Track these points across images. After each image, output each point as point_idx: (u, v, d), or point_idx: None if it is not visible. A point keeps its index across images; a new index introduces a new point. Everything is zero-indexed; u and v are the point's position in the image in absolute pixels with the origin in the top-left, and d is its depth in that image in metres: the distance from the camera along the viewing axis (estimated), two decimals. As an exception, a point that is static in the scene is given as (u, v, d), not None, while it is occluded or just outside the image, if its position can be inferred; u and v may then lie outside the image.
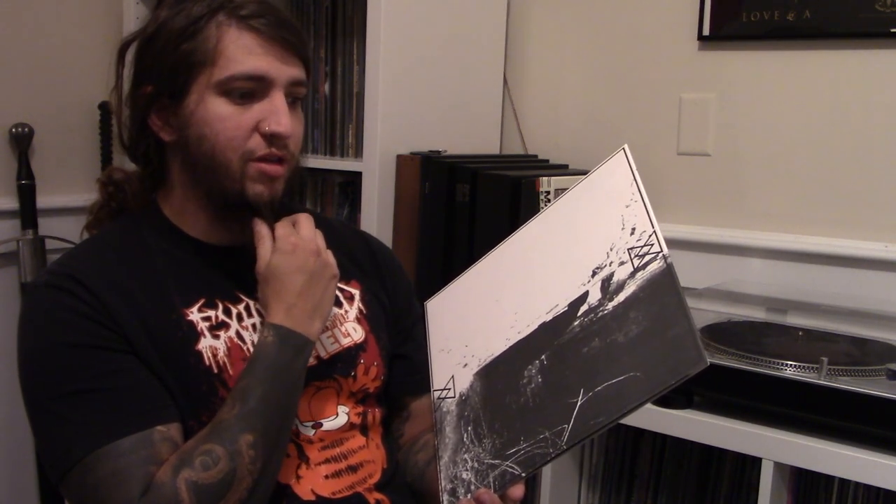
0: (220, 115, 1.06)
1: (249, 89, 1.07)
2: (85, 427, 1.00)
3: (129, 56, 1.15)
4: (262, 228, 1.10)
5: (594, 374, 0.88)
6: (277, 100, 1.08)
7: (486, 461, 0.95)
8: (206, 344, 1.07)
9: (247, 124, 1.07)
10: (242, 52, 1.06)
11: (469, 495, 0.95)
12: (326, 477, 1.12)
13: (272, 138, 1.07)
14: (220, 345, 1.08)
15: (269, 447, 1.01)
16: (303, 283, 1.07)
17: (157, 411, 1.02)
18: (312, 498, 1.10)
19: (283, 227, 1.11)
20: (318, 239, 1.12)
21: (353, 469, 1.15)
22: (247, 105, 1.07)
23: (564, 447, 0.88)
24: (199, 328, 1.08)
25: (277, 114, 1.07)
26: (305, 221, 1.12)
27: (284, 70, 1.08)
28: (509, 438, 0.93)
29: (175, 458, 0.99)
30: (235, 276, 1.14)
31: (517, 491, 0.93)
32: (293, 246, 1.08)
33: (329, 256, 1.12)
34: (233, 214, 1.12)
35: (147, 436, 1.00)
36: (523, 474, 0.91)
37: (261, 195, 1.09)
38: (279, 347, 1.04)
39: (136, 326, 1.04)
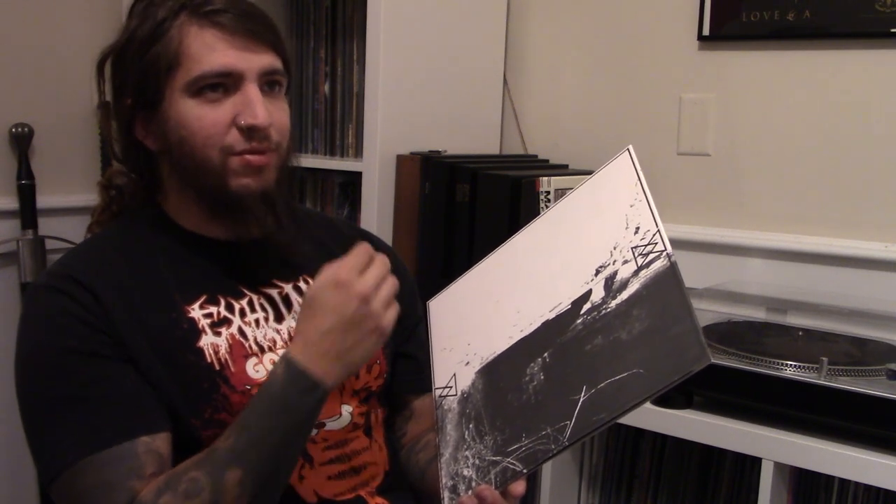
0: (194, 116, 1.06)
1: (220, 85, 1.06)
2: (70, 436, 1.00)
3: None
4: (358, 249, 1.05)
5: (597, 371, 0.88)
6: (250, 91, 1.06)
7: (487, 458, 0.95)
8: (206, 341, 1.07)
9: (222, 120, 1.06)
10: (206, 49, 1.05)
11: (470, 492, 0.95)
12: (329, 478, 1.12)
13: (250, 132, 1.06)
14: (222, 342, 1.07)
15: (259, 485, 0.98)
16: (332, 324, 1.01)
17: (143, 422, 1.01)
18: (314, 500, 1.10)
19: (354, 256, 1.04)
20: (385, 288, 1.04)
21: (356, 471, 1.14)
22: (220, 102, 1.06)
23: (566, 443, 0.88)
24: (200, 325, 1.07)
25: (251, 105, 1.06)
26: (379, 263, 1.04)
27: (254, 60, 1.07)
28: (511, 435, 0.94)
29: (163, 480, 0.98)
30: (238, 270, 1.13)
31: (518, 487, 0.93)
32: (337, 283, 1.01)
33: (385, 311, 1.03)
34: (231, 215, 1.11)
35: (131, 447, 0.99)
36: (525, 470, 0.91)
37: (247, 187, 1.08)
38: (285, 385, 1.00)
39: (133, 327, 1.04)
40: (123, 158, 1.16)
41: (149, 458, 1.00)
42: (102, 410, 1.00)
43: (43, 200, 2.05)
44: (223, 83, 1.06)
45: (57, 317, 1.03)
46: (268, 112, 1.07)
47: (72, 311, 1.02)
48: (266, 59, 1.08)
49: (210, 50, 1.05)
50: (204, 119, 1.05)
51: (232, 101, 1.06)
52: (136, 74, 1.07)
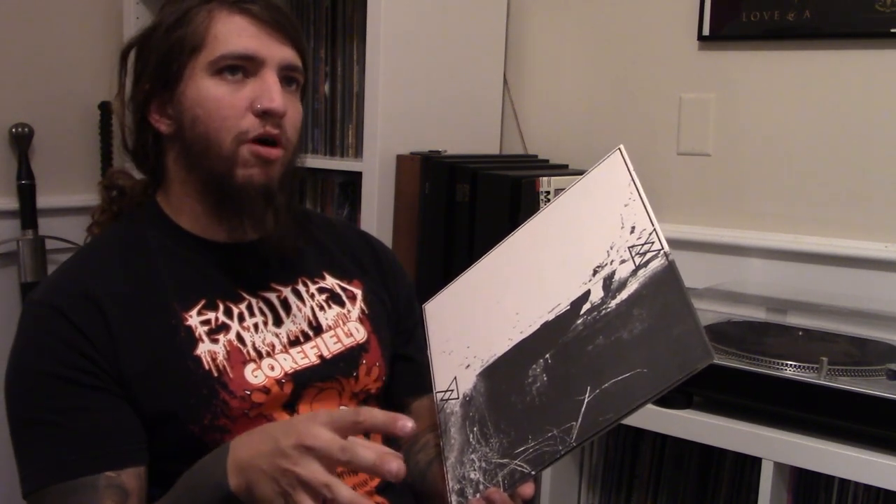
0: (213, 96, 1.07)
1: (241, 67, 1.07)
2: (38, 462, 1.02)
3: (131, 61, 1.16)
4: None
5: (600, 372, 0.88)
6: (269, 78, 1.08)
7: (494, 460, 0.95)
8: (204, 349, 1.07)
9: (240, 104, 1.07)
10: (233, 33, 1.08)
11: (478, 495, 0.95)
12: (327, 478, 1.12)
13: (265, 116, 1.07)
14: (220, 349, 1.07)
15: None
16: (267, 450, 0.90)
17: (110, 458, 1.02)
18: (312, 500, 1.10)
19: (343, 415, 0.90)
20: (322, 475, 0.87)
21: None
22: (239, 85, 1.07)
23: (574, 444, 0.88)
24: (196, 333, 1.07)
25: (270, 91, 1.07)
26: (361, 451, 0.86)
27: (276, 50, 1.09)
28: (517, 437, 0.93)
29: None
30: (237, 273, 1.13)
31: (527, 489, 0.93)
32: (304, 420, 0.91)
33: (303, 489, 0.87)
34: (230, 208, 1.10)
35: (93, 481, 1.00)
36: (533, 472, 0.91)
37: (251, 178, 1.08)
38: (207, 470, 0.98)
39: (131, 336, 1.04)
40: (134, 149, 1.17)
41: (108, 493, 1.01)
42: (72, 441, 1.01)
43: (43, 200, 2.06)
44: (244, 67, 1.08)
45: (44, 338, 1.04)
46: (284, 101, 1.08)
47: (60, 332, 1.03)
48: (288, 53, 1.10)
49: (236, 34, 1.07)
50: (222, 100, 1.07)
51: (250, 86, 1.08)
52: (159, 57, 1.09)
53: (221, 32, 1.07)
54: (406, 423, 0.87)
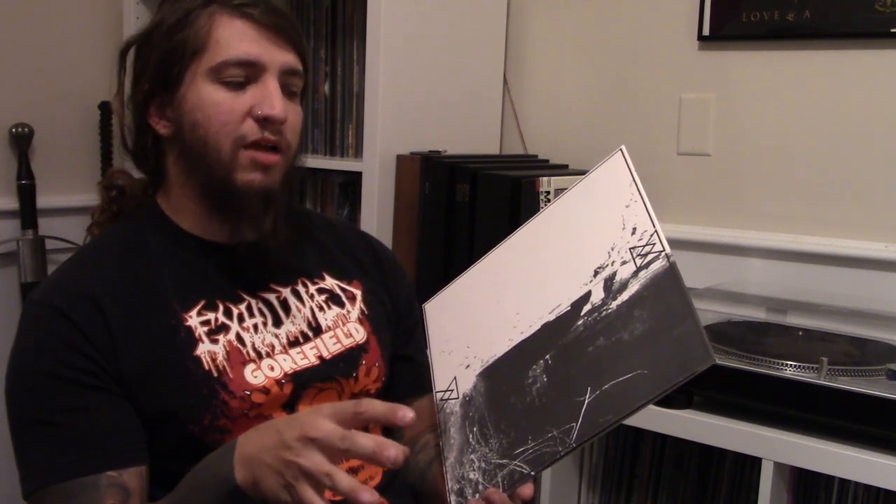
0: (213, 101, 1.07)
1: (242, 75, 1.07)
2: (38, 462, 1.02)
3: (131, 59, 1.16)
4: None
5: (601, 373, 0.88)
6: (270, 84, 1.08)
7: (493, 461, 0.95)
8: (204, 349, 1.07)
9: (240, 109, 1.07)
10: (235, 37, 1.07)
11: (477, 495, 0.95)
12: (328, 478, 1.12)
13: (265, 122, 1.07)
14: (219, 349, 1.07)
15: None
16: (272, 443, 0.91)
17: (111, 457, 1.02)
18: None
19: (344, 406, 0.91)
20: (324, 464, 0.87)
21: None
22: (240, 91, 1.07)
23: (574, 445, 0.88)
24: (196, 333, 1.07)
25: (270, 97, 1.07)
26: (364, 441, 0.87)
27: (277, 55, 1.09)
28: (516, 438, 0.93)
29: None
30: (237, 274, 1.14)
31: (527, 490, 0.93)
32: (309, 413, 0.92)
33: (305, 480, 0.88)
34: (229, 211, 1.11)
35: (94, 481, 1.00)
36: (532, 473, 0.91)
37: (251, 183, 1.08)
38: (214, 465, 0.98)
39: (130, 336, 1.04)
40: (133, 148, 1.17)
41: (110, 493, 1.01)
42: (73, 441, 1.01)
43: (43, 200, 2.06)
44: (245, 73, 1.07)
45: (44, 338, 1.04)
46: (285, 107, 1.08)
47: (60, 332, 1.03)
48: (289, 57, 1.10)
49: (238, 39, 1.07)
50: (222, 105, 1.07)
51: (251, 92, 1.08)
52: (159, 58, 1.09)
53: (223, 37, 1.07)
54: (406, 413, 0.88)
